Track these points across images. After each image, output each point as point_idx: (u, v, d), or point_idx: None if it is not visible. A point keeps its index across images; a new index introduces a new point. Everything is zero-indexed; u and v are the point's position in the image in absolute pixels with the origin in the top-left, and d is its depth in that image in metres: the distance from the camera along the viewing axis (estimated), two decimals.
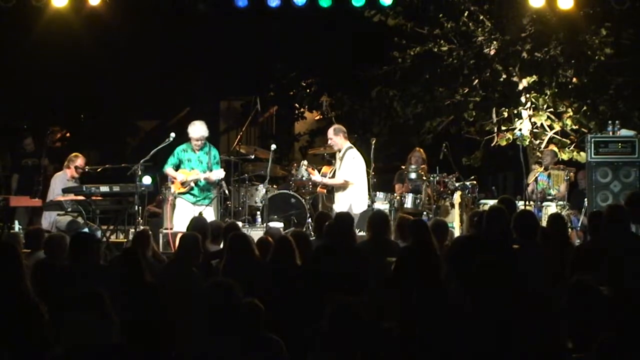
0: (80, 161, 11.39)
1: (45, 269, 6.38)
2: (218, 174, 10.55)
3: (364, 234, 9.72)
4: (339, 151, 10.93)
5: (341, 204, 10.70)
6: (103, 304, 4.22)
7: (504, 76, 13.70)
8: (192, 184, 10.53)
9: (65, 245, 7.18)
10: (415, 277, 5.28)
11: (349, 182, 10.71)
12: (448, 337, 4.60)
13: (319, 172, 11.36)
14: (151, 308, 5.64)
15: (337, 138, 10.88)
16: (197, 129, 10.62)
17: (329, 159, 11.38)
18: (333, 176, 11.13)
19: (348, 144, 10.93)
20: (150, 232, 8.43)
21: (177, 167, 10.69)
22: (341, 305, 4.47)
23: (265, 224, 10.84)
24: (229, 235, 7.26)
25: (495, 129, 13.89)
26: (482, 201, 11.67)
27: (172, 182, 10.76)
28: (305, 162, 11.41)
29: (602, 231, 6.86)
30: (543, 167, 11.94)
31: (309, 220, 10.94)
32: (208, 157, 10.61)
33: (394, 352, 4.58)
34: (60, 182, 11.20)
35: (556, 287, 5.76)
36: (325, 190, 11.17)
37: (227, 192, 11.44)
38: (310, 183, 11.56)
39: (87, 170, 12.15)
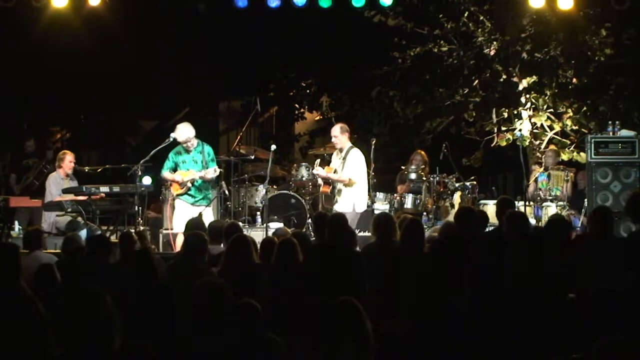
0: (69, 158, 11.37)
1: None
2: (213, 171, 10.42)
3: (364, 234, 9.76)
4: (341, 150, 10.89)
5: (344, 203, 10.66)
6: (105, 304, 4.21)
7: (504, 76, 13.69)
8: (189, 184, 10.46)
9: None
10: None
11: (353, 180, 10.66)
12: (447, 337, 4.60)
13: None
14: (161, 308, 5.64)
15: (342, 137, 10.84)
16: (182, 132, 10.45)
17: (329, 159, 11.35)
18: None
19: (350, 143, 10.92)
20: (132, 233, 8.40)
21: (174, 170, 10.59)
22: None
23: (265, 225, 10.82)
24: (231, 237, 7.23)
25: (495, 130, 13.89)
26: (482, 201, 11.68)
27: (171, 185, 10.71)
28: (318, 161, 11.34)
29: None
30: (543, 168, 11.94)
31: (309, 220, 10.92)
32: (202, 155, 10.49)
33: (393, 352, 4.58)
34: (54, 182, 11.20)
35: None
36: (328, 190, 11.10)
37: (227, 192, 11.43)
38: (310, 183, 11.56)
39: (87, 170, 12.16)
